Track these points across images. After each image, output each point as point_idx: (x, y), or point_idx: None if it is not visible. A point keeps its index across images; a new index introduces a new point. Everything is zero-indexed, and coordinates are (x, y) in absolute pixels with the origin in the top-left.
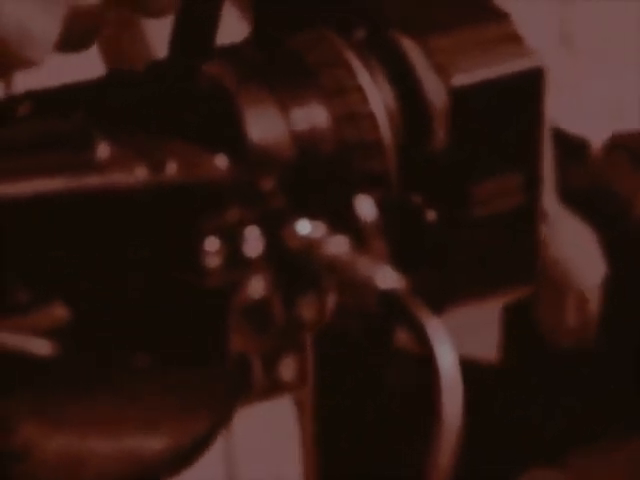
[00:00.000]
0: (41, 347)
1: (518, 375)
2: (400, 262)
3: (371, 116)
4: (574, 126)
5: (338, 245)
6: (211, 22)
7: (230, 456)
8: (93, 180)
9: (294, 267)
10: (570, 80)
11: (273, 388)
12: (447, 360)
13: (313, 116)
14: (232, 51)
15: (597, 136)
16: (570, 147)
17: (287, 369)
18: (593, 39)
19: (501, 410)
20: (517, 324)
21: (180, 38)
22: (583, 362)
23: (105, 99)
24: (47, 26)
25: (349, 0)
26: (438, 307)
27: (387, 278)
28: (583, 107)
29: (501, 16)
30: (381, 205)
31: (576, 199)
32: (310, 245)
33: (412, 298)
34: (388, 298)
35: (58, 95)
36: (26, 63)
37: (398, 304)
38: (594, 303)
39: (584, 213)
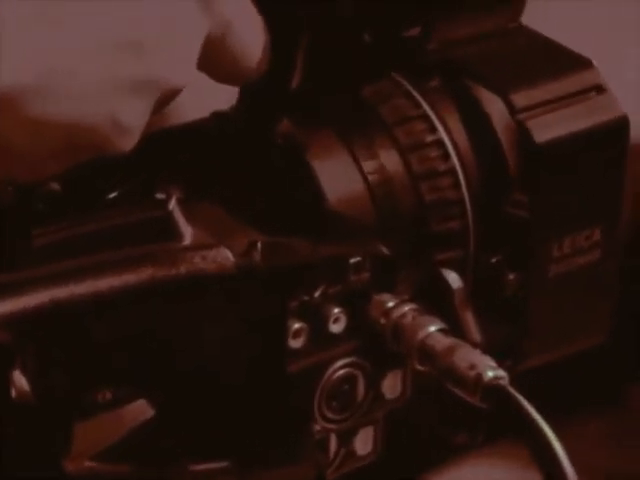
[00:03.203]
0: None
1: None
2: (480, 320)
3: (451, 173)
4: None
5: (431, 325)
6: (286, 72)
7: None
8: (182, 268)
9: (379, 344)
10: None
11: (347, 462)
12: (562, 451)
13: (389, 172)
14: (302, 100)
15: None
16: None
17: (362, 443)
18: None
19: None
20: None
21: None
22: None
23: (175, 156)
24: (138, 113)
25: (426, 50)
26: (515, 363)
27: (491, 372)
28: None
29: (583, 66)
30: (460, 265)
31: None
32: (400, 324)
33: (516, 392)
34: (495, 393)
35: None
36: (116, 150)
37: (506, 400)
38: None
39: None
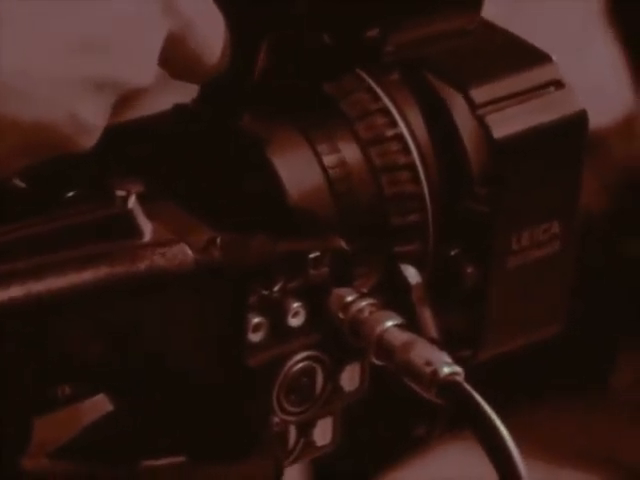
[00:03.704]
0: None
1: None
2: (440, 312)
3: (411, 167)
4: None
5: (388, 320)
6: (247, 68)
7: None
8: (141, 265)
9: (338, 338)
10: None
11: (306, 452)
12: (514, 447)
13: (349, 166)
14: (264, 97)
15: None
16: None
17: (321, 434)
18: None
19: None
20: None
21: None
22: None
23: (135, 151)
24: (98, 112)
25: (384, 51)
26: (474, 353)
27: (447, 368)
28: None
29: (542, 61)
30: (419, 258)
31: None
32: (358, 319)
33: (472, 388)
34: (450, 389)
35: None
36: (76, 148)
37: (461, 395)
38: None
39: None
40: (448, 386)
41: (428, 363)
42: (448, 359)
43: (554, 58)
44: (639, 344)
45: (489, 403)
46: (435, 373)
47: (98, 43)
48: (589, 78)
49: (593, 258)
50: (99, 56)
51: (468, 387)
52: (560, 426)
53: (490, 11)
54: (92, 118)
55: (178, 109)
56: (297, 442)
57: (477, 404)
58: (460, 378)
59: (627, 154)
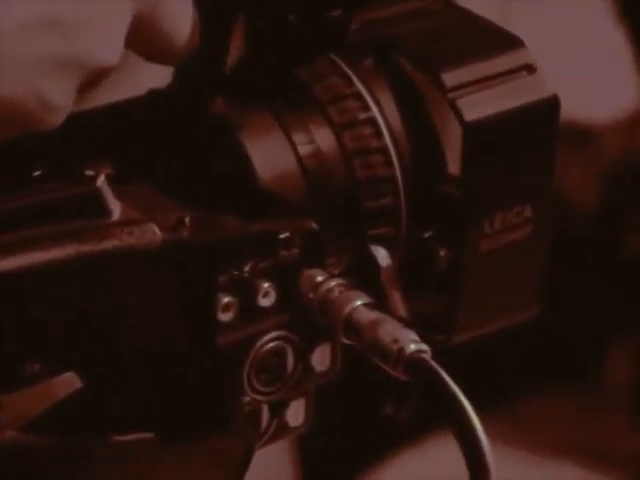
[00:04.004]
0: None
1: None
2: (411, 296)
3: (384, 150)
4: None
5: (357, 300)
6: (219, 52)
7: None
8: (108, 244)
9: (308, 318)
10: None
11: (279, 433)
12: (479, 425)
13: (322, 150)
14: (236, 79)
15: None
16: None
17: (294, 415)
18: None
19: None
20: None
21: (186, 66)
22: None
23: (107, 135)
24: (63, 91)
25: (349, 30)
26: (448, 337)
27: (414, 345)
28: None
29: (514, 45)
30: (392, 242)
31: None
32: (327, 299)
33: (438, 366)
34: (416, 366)
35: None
36: (42, 126)
37: (427, 373)
38: None
39: None
40: (414, 363)
41: (395, 341)
42: (415, 337)
43: (561, 48)
44: (633, 339)
45: (484, 396)
46: (401, 350)
47: (63, 22)
48: (595, 72)
49: (587, 253)
50: (63, 35)
51: (434, 364)
52: (554, 420)
53: None
54: (57, 96)
55: (152, 93)
56: (270, 423)
57: (443, 381)
58: (427, 355)
59: (626, 151)
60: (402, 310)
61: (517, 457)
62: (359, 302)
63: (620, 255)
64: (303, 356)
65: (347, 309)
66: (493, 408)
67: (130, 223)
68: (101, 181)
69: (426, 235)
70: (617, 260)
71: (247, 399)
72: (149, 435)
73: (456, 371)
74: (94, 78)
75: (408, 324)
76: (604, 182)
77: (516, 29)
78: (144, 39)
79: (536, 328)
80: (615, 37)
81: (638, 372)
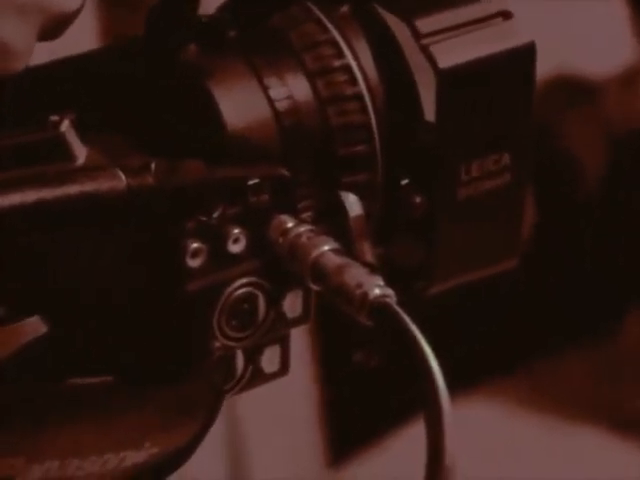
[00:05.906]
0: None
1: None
2: (388, 244)
3: (358, 97)
4: None
5: (325, 245)
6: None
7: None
8: (71, 189)
9: (279, 265)
10: None
11: (255, 379)
12: (437, 369)
13: (296, 97)
14: (210, 27)
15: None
16: None
17: (269, 361)
18: None
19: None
20: None
21: (158, 14)
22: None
23: (76, 83)
24: (22, 36)
25: None
26: (426, 285)
27: (378, 290)
28: None
29: None
30: (368, 189)
31: None
32: (295, 244)
33: (402, 311)
34: (380, 311)
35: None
36: (3, 72)
37: (390, 317)
38: None
39: None
40: (377, 307)
41: (359, 285)
42: (380, 282)
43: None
44: None
45: (501, 360)
46: (365, 295)
47: None
48: (592, 27)
49: (594, 211)
50: None
51: (397, 308)
52: (572, 382)
53: None
54: (16, 41)
55: (124, 42)
56: (245, 369)
57: (405, 325)
58: (391, 300)
59: (626, 105)
60: (369, 256)
61: (535, 420)
62: (326, 247)
63: (630, 212)
64: (274, 302)
65: (314, 254)
66: (511, 372)
67: (94, 168)
68: (65, 126)
69: (402, 182)
70: (629, 220)
71: (218, 344)
72: (108, 378)
73: (472, 335)
74: (56, 24)
75: (374, 270)
76: (610, 141)
77: None
78: None
79: (552, 291)
80: None
81: None
